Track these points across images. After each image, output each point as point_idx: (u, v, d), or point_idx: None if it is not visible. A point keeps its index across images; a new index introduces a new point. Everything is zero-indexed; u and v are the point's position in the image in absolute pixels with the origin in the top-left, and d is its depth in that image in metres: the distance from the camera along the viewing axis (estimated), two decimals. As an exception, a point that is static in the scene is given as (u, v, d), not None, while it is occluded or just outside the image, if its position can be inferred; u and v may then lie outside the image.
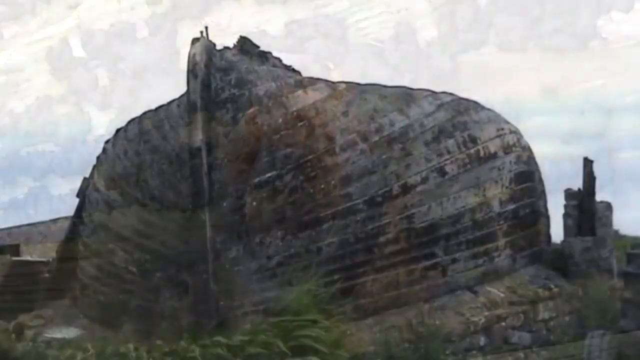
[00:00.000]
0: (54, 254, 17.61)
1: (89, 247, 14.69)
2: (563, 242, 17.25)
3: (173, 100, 13.94)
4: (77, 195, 16.12)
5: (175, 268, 12.80)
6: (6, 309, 15.83)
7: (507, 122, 15.96)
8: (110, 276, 14.00)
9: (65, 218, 20.18)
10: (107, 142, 15.12)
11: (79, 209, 15.95)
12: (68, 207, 17.06)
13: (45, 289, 16.30)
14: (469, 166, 14.30)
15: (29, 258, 20.20)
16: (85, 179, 16.00)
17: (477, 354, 13.47)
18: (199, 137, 12.14)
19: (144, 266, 13.32)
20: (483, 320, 13.64)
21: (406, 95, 14.41)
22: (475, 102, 15.50)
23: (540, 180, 16.74)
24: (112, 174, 14.29)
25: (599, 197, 17.36)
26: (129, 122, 14.73)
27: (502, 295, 14.43)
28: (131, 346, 11.64)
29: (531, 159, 16.31)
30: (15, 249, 21.12)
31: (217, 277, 12.26)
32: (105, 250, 14.08)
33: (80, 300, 15.02)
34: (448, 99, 14.97)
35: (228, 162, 12.51)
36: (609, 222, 17.26)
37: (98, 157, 15.26)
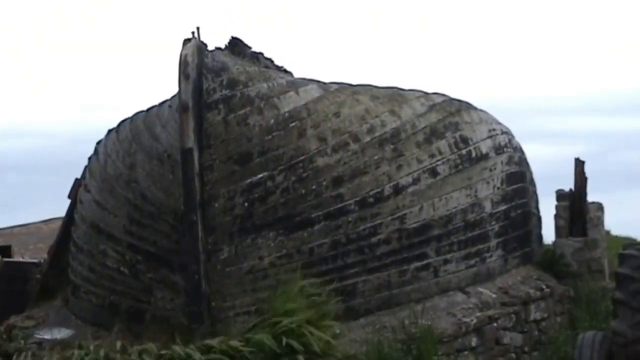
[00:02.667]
0: (45, 255, 17.59)
1: (81, 248, 14.66)
2: (554, 242, 17.29)
3: (165, 101, 13.94)
4: (69, 196, 16.09)
5: (167, 269, 12.79)
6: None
7: (499, 123, 16.00)
8: (102, 277, 13.98)
9: (57, 219, 20.18)
10: (98, 142, 15.10)
11: (71, 210, 15.93)
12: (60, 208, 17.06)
13: (37, 290, 16.27)
14: (460, 167, 14.33)
15: (20, 259, 20.15)
16: (76, 179, 15.98)
17: (469, 354, 13.48)
18: (190, 138, 12.12)
19: (135, 267, 13.30)
20: (475, 321, 13.65)
21: (398, 96, 14.43)
22: (467, 103, 15.53)
23: (532, 181, 16.79)
24: (104, 174, 14.26)
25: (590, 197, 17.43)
26: (120, 123, 14.72)
27: (493, 296, 14.46)
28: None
29: (523, 159, 16.35)
30: (7, 250, 21.10)
31: (209, 278, 12.25)
32: (96, 251, 14.05)
33: (71, 301, 15.00)
34: (440, 99, 15.00)
35: (220, 163, 12.50)
36: (600, 223, 17.31)
37: (89, 158, 15.24)
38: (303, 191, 12.77)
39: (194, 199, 12.15)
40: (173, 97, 13.33)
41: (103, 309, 13.93)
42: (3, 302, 16.20)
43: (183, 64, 12.32)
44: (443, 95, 15.24)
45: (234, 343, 11.37)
